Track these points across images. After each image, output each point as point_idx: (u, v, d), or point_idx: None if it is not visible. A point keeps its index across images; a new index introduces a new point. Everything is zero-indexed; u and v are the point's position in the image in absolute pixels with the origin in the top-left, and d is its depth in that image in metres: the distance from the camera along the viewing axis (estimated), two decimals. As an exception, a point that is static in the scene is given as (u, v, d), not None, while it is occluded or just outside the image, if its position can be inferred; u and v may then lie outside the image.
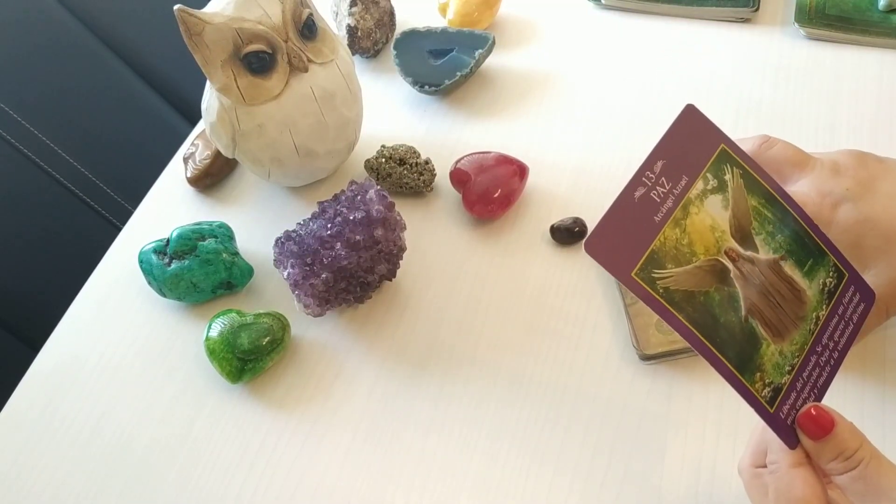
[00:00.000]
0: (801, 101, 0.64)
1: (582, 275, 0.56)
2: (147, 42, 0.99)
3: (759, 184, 0.37)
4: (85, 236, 0.89)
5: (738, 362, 0.34)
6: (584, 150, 0.64)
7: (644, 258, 0.33)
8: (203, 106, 0.59)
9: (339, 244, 0.51)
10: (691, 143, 0.36)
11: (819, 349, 0.37)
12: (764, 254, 0.36)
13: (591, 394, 0.50)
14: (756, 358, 0.35)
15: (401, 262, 0.55)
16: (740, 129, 0.63)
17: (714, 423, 0.47)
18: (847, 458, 0.32)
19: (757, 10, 0.71)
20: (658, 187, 0.34)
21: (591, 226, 0.57)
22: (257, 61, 0.53)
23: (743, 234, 0.36)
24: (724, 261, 0.35)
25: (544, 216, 0.59)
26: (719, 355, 0.34)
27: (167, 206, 0.67)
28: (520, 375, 0.51)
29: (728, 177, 0.36)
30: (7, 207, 0.84)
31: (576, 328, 0.53)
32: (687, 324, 0.34)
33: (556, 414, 0.49)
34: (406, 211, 0.59)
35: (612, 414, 0.49)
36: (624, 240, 0.33)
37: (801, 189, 0.44)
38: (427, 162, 0.62)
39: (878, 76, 0.65)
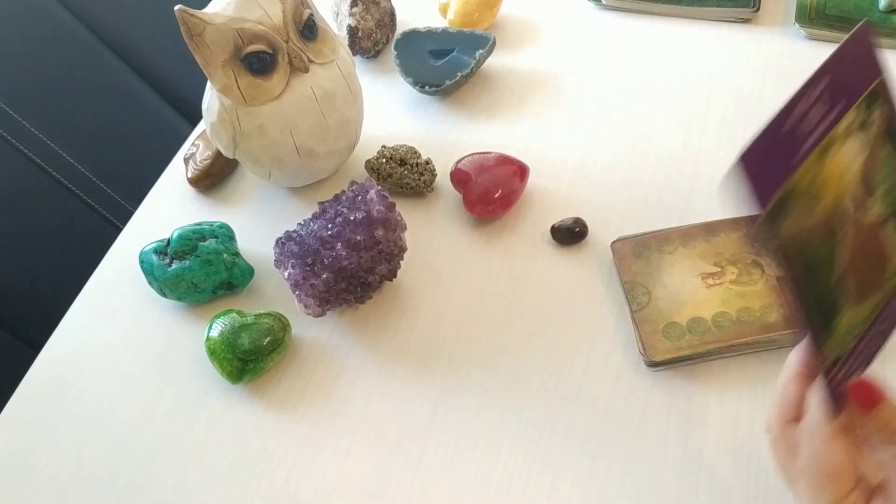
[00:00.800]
0: (802, 101, 0.64)
1: (582, 275, 0.56)
2: (148, 42, 0.99)
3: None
4: (85, 236, 0.89)
5: (817, 334, 0.33)
6: (584, 150, 0.64)
7: (776, 199, 0.30)
8: (204, 106, 0.59)
9: (339, 244, 0.51)
10: (857, 66, 0.33)
11: (880, 321, 0.35)
12: (877, 210, 0.34)
13: (591, 394, 0.50)
14: (831, 326, 0.33)
15: (401, 262, 0.55)
16: (740, 129, 0.63)
17: (714, 425, 0.47)
18: (893, 433, 0.33)
19: (757, 10, 0.71)
20: (812, 110, 0.31)
21: (591, 226, 0.57)
22: (258, 62, 0.53)
23: (867, 185, 0.33)
24: (842, 212, 0.33)
25: (545, 216, 0.59)
26: (817, 316, 0.32)
27: (168, 207, 0.67)
28: (520, 376, 0.51)
29: (875, 117, 0.33)
30: (7, 207, 0.84)
31: (576, 328, 0.53)
32: (796, 278, 0.31)
33: (556, 414, 0.49)
34: (406, 211, 0.59)
35: (612, 415, 0.49)
36: (774, 161, 0.30)
37: None
38: (427, 162, 0.62)
39: (879, 76, 0.65)
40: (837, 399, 0.34)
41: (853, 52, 0.32)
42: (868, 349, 0.36)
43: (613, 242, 0.55)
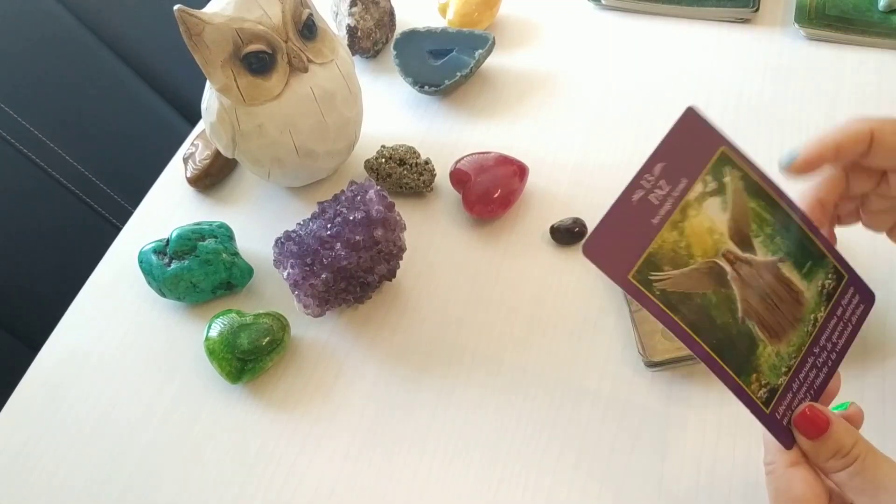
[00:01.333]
0: (801, 101, 0.64)
1: (582, 275, 0.56)
2: (147, 42, 0.99)
3: (759, 187, 0.37)
4: (85, 236, 0.89)
5: (734, 364, 0.34)
6: (584, 150, 0.64)
7: (641, 261, 0.34)
8: (203, 106, 0.58)
9: (338, 244, 0.51)
10: (691, 146, 0.36)
11: (816, 350, 0.37)
12: (762, 256, 0.36)
13: (590, 394, 0.50)
14: (753, 359, 0.35)
15: (401, 262, 0.55)
16: (740, 129, 0.63)
17: (713, 425, 0.47)
18: (844, 456, 0.33)
19: (757, 10, 0.71)
20: (657, 189, 0.34)
21: (591, 226, 0.57)
22: (257, 61, 0.53)
23: (741, 237, 0.36)
24: (721, 263, 0.35)
25: (544, 216, 0.59)
26: (715, 357, 0.34)
27: (167, 207, 0.67)
28: (519, 376, 0.51)
29: (728, 179, 0.36)
30: (7, 207, 0.84)
31: (576, 329, 0.53)
32: (683, 326, 0.34)
33: (556, 414, 0.49)
34: (406, 211, 0.59)
35: (611, 415, 0.49)
36: (621, 243, 0.33)
37: None
38: (427, 162, 0.62)
39: (878, 77, 0.65)
40: (786, 431, 0.35)
41: (683, 134, 0.35)
42: (811, 380, 0.36)
43: None
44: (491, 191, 0.58)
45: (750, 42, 0.70)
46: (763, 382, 0.35)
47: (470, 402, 0.51)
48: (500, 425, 0.49)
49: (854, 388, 0.47)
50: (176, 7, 0.51)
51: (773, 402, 0.35)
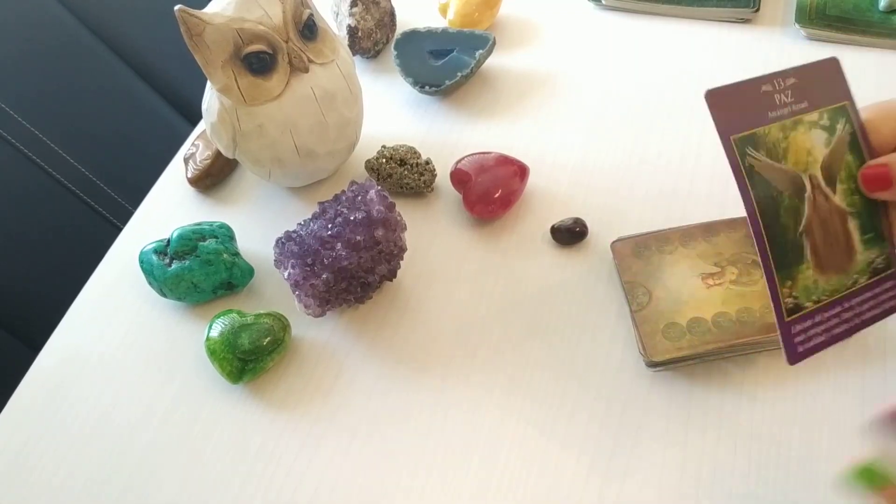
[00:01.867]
0: (802, 101, 0.64)
1: (583, 275, 0.56)
2: (148, 42, 0.99)
3: (860, 148, 0.39)
4: (85, 236, 0.89)
5: (778, 261, 0.37)
6: (584, 150, 0.64)
7: (746, 133, 0.36)
8: (203, 106, 0.59)
9: (339, 244, 0.51)
10: (823, 84, 0.38)
11: (847, 306, 0.39)
12: (839, 201, 0.38)
13: (591, 394, 0.50)
14: (794, 270, 0.37)
15: (401, 262, 0.55)
16: (741, 129, 0.63)
17: (714, 425, 0.47)
18: None
19: (757, 10, 0.71)
20: (782, 95, 0.37)
21: (591, 226, 0.58)
22: (258, 62, 0.53)
23: (830, 175, 0.38)
24: (805, 180, 0.37)
25: (545, 216, 0.59)
26: (766, 243, 0.36)
27: (168, 207, 0.67)
28: (520, 376, 0.51)
29: (839, 126, 0.38)
30: (8, 207, 0.84)
31: (576, 328, 0.53)
32: (754, 201, 0.36)
33: (556, 414, 0.49)
34: (406, 211, 0.59)
35: (612, 414, 0.49)
36: (739, 109, 0.36)
37: None
38: (427, 162, 0.62)
39: (879, 77, 0.65)
40: (793, 346, 0.37)
41: (818, 73, 0.38)
42: (832, 326, 0.38)
43: (613, 242, 0.55)
44: (491, 191, 0.58)
45: (750, 42, 0.70)
46: (793, 294, 0.37)
47: (470, 401, 0.51)
48: (501, 425, 0.49)
49: (856, 387, 0.47)
50: (176, 7, 0.51)
51: (795, 317, 0.37)
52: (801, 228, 0.37)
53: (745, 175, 0.36)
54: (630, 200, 0.59)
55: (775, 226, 0.37)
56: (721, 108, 0.37)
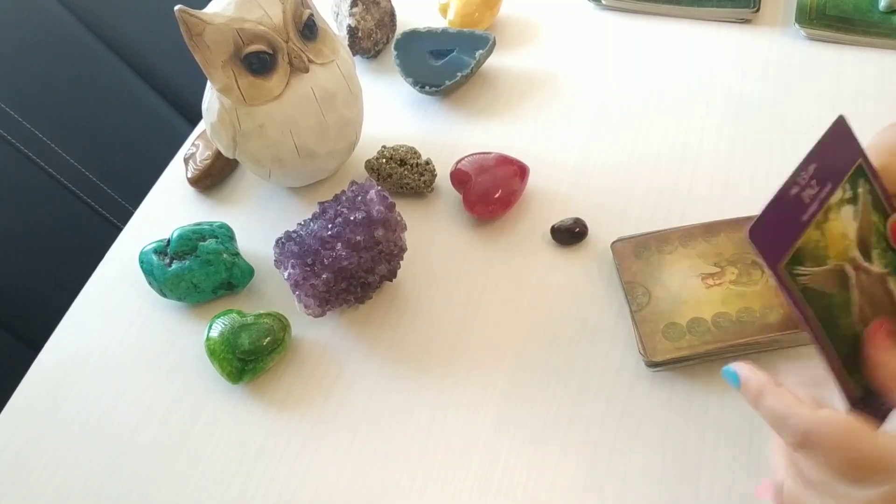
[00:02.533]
0: (802, 101, 0.64)
1: (582, 275, 0.56)
2: (148, 42, 0.99)
3: (881, 202, 0.39)
4: (85, 236, 0.89)
5: (845, 360, 0.36)
6: (584, 150, 0.64)
7: (791, 254, 0.36)
8: (204, 106, 0.59)
9: (339, 244, 0.51)
10: (838, 153, 0.38)
11: None
12: (877, 267, 0.38)
13: (591, 394, 0.50)
14: (858, 358, 0.37)
15: (401, 262, 0.55)
16: (740, 129, 0.63)
17: (714, 425, 0.47)
18: None
19: (757, 10, 0.71)
20: (808, 188, 0.36)
21: (591, 226, 0.57)
22: (258, 62, 0.53)
23: (864, 246, 0.38)
24: (847, 268, 0.37)
25: (545, 216, 0.59)
26: (834, 351, 0.36)
27: (168, 207, 0.67)
28: (520, 376, 0.51)
29: (861, 190, 0.38)
30: (8, 207, 0.84)
31: (576, 328, 0.53)
32: (814, 318, 0.36)
33: (556, 414, 0.49)
34: (407, 211, 0.59)
35: (612, 414, 0.49)
36: (778, 233, 0.36)
37: None
38: (427, 162, 0.62)
39: (879, 77, 0.65)
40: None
41: (833, 143, 0.38)
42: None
43: (613, 243, 0.55)
44: (491, 191, 0.58)
45: (750, 42, 0.70)
46: (862, 383, 0.37)
47: (470, 401, 0.51)
48: (500, 425, 0.49)
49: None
50: (177, 7, 0.51)
51: (864, 402, 0.37)
52: (854, 318, 0.37)
53: (804, 299, 0.36)
54: (630, 200, 0.59)
55: (833, 329, 0.36)
56: (764, 241, 0.35)
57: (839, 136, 0.38)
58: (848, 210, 0.38)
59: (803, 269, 0.36)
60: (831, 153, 0.37)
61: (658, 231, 0.54)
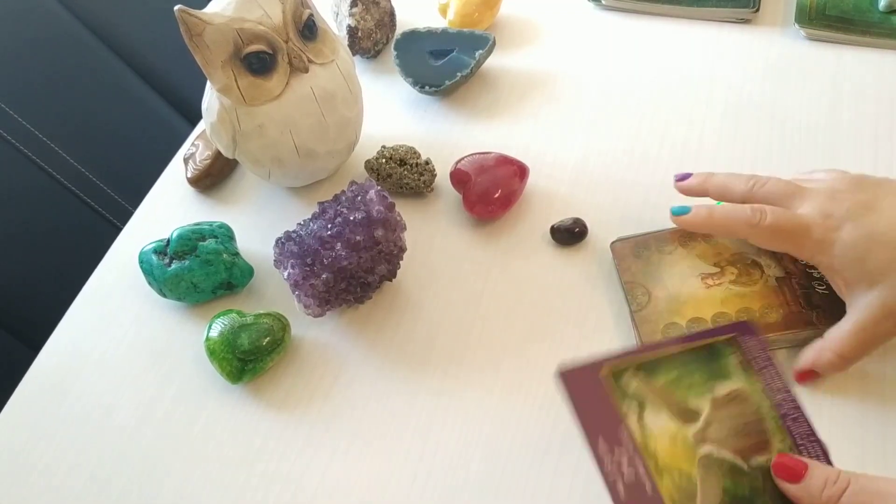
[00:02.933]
0: (802, 101, 0.64)
1: (582, 275, 0.56)
2: (147, 42, 0.99)
3: (649, 362, 0.38)
4: (85, 236, 0.89)
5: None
6: (584, 150, 0.64)
7: None
8: (203, 106, 0.59)
9: (339, 244, 0.51)
10: (593, 398, 0.37)
11: (783, 410, 0.38)
12: (704, 405, 0.38)
13: (591, 394, 0.50)
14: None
15: (401, 262, 0.55)
16: (740, 129, 0.63)
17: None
18: (835, 482, 0.34)
19: (757, 10, 0.71)
20: (621, 462, 0.35)
21: (591, 226, 0.57)
22: (258, 62, 0.53)
23: (685, 413, 0.37)
24: (702, 451, 0.36)
25: (545, 217, 0.59)
26: None
27: (167, 207, 0.67)
28: (520, 376, 0.51)
29: (633, 386, 0.37)
30: (7, 207, 0.84)
31: (576, 328, 0.53)
32: None
33: (557, 414, 0.49)
34: (406, 211, 0.59)
35: (612, 414, 0.49)
36: None
37: (804, 212, 0.45)
38: (427, 162, 0.62)
39: (879, 77, 0.65)
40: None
41: (580, 400, 0.36)
42: (802, 432, 0.38)
43: (613, 243, 0.55)
44: (491, 191, 0.58)
45: (750, 42, 0.70)
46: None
47: (470, 401, 0.51)
48: (501, 425, 0.49)
49: (857, 389, 0.47)
50: (176, 7, 0.51)
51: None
52: (747, 468, 0.36)
53: None
54: (630, 200, 0.59)
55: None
56: None
57: (577, 387, 0.37)
58: (650, 417, 0.36)
59: None
60: (590, 409, 0.36)
61: (658, 231, 0.54)
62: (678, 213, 0.49)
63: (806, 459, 0.36)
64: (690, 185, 0.51)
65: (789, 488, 0.35)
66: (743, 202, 0.48)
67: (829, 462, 0.37)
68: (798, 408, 0.38)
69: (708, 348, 0.40)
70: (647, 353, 0.39)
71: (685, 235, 0.54)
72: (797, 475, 0.35)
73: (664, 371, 0.38)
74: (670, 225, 0.55)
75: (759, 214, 0.46)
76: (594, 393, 0.36)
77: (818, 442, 0.37)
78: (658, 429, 0.36)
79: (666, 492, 0.34)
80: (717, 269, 0.51)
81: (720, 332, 0.40)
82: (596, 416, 0.36)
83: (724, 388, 0.38)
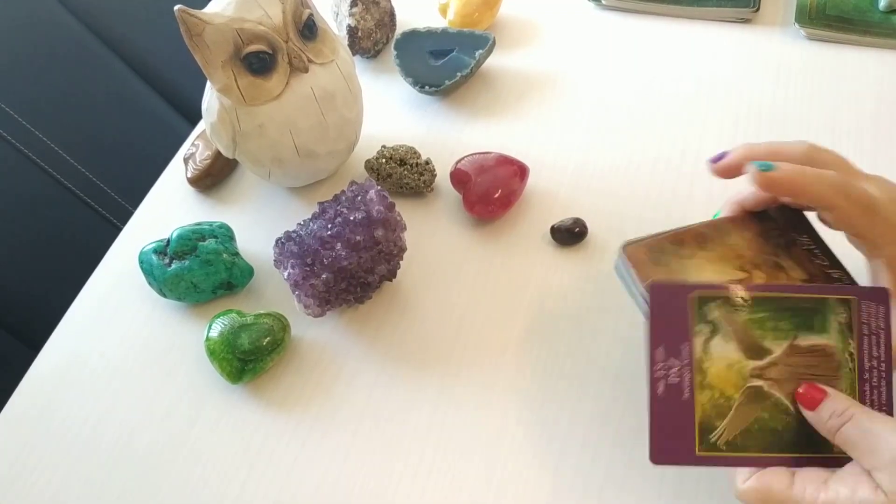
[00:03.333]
0: (802, 101, 0.64)
1: (582, 275, 0.56)
2: (148, 42, 0.99)
3: (738, 298, 0.39)
4: (85, 236, 0.89)
5: (813, 447, 0.37)
6: (584, 150, 0.64)
7: (697, 435, 0.36)
8: (203, 106, 0.59)
9: (339, 244, 0.51)
10: (671, 313, 0.38)
11: (866, 376, 0.39)
12: (779, 348, 0.38)
13: (591, 394, 0.50)
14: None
15: (401, 262, 0.55)
16: (740, 130, 0.63)
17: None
18: (840, 415, 0.36)
19: (757, 10, 0.71)
20: (671, 369, 0.37)
21: (591, 226, 0.57)
22: (258, 62, 0.53)
23: (755, 349, 0.38)
24: (753, 383, 0.38)
25: (545, 216, 0.59)
26: (800, 456, 0.37)
27: (167, 207, 0.67)
28: (520, 376, 0.51)
29: (715, 315, 0.38)
30: (8, 208, 0.84)
31: (576, 329, 0.53)
32: (762, 455, 0.36)
33: (557, 414, 0.49)
34: (406, 211, 0.59)
35: (613, 415, 0.49)
36: (674, 433, 0.36)
37: (872, 191, 0.42)
38: (427, 162, 0.62)
39: (879, 77, 0.65)
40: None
41: (660, 310, 0.38)
42: (877, 400, 0.39)
43: (625, 246, 0.49)
44: (491, 191, 0.58)
45: (750, 42, 0.70)
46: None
47: (470, 401, 0.51)
48: (501, 425, 0.49)
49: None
50: (176, 7, 0.51)
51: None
52: (792, 410, 0.38)
53: (735, 454, 0.37)
54: (630, 201, 0.59)
55: (785, 440, 0.37)
56: (672, 454, 0.37)
57: (662, 299, 0.38)
58: (716, 343, 0.37)
59: (716, 432, 0.36)
60: (666, 320, 0.37)
61: (666, 232, 0.49)
62: (764, 168, 0.41)
63: (829, 389, 0.37)
64: (731, 161, 0.44)
65: (807, 414, 0.37)
66: None
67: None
68: (885, 380, 0.39)
69: (816, 301, 0.40)
70: (731, 289, 0.39)
71: (698, 236, 0.49)
72: (814, 403, 0.37)
73: (753, 310, 0.39)
74: (671, 224, 0.54)
75: (848, 185, 0.40)
76: (675, 309, 0.38)
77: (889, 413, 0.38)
78: (719, 354, 0.37)
79: (699, 403, 0.36)
80: (746, 274, 0.48)
81: (849, 292, 0.40)
82: (667, 328, 0.37)
83: (809, 340, 0.39)
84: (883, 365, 0.39)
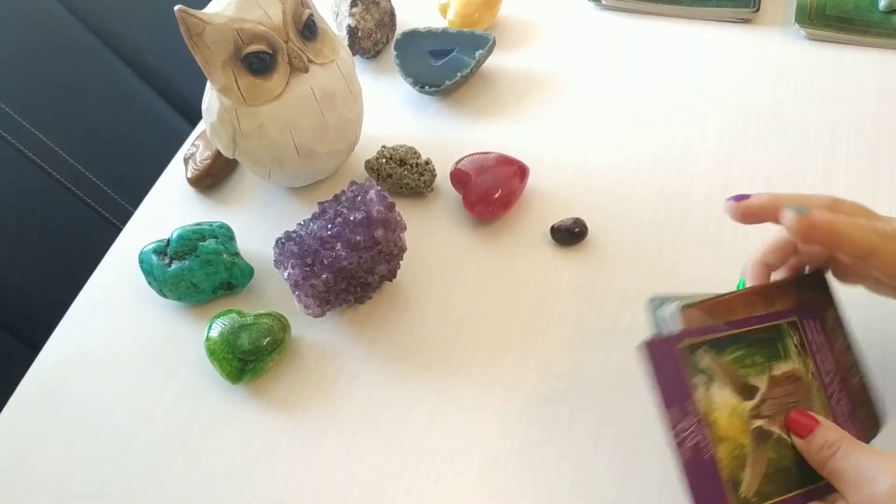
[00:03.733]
0: (802, 101, 0.64)
1: (582, 275, 0.56)
2: (148, 42, 0.99)
3: (719, 339, 0.39)
4: (85, 237, 0.89)
5: (818, 476, 0.37)
6: (584, 150, 0.64)
7: (729, 493, 0.36)
8: (203, 106, 0.59)
9: (339, 245, 0.51)
10: (669, 370, 0.38)
11: (829, 392, 0.40)
12: (762, 383, 0.39)
13: (591, 394, 0.50)
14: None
15: (401, 262, 0.55)
16: (740, 129, 0.63)
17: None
18: (831, 446, 0.37)
19: (757, 10, 0.71)
20: (689, 429, 0.37)
21: (591, 226, 0.57)
22: (258, 62, 0.53)
23: (745, 389, 0.38)
24: (755, 424, 0.38)
25: (545, 217, 0.59)
26: (813, 487, 0.38)
27: (167, 207, 0.67)
28: (520, 376, 0.51)
29: (704, 362, 0.38)
30: (8, 207, 0.84)
31: (576, 329, 0.53)
32: (787, 497, 0.37)
33: (557, 415, 0.49)
34: (406, 211, 0.59)
35: (612, 414, 0.49)
36: (709, 498, 0.36)
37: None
38: (427, 162, 0.62)
39: (879, 77, 0.65)
40: None
41: (660, 370, 0.37)
42: (843, 411, 0.40)
43: (684, 308, 0.40)
44: (491, 191, 0.58)
45: (750, 42, 0.70)
46: None
47: (470, 401, 0.51)
48: (501, 425, 0.49)
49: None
50: (177, 7, 0.51)
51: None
52: (790, 441, 0.38)
53: (773, 490, 0.37)
54: (630, 200, 0.59)
55: (796, 474, 0.38)
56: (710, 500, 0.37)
57: (657, 357, 0.38)
58: (714, 391, 0.38)
59: (744, 486, 0.36)
60: (668, 379, 0.37)
61: (725, 295, 0.41)
62: (802, 212, 0.38)
63: (821, 419, 0.38)
64: (757, 204, 0.40)
65: (798, 443, 0.38)
66: None
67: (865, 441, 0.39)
68: (842, 390, 0.40)
69: (775, 329, 0.40)
70: (711, 331, 0.39)
71: (748, 303, 0.41)
72: (807, 430, 0.38)
73: (732, 349, 0.39)
74: (671, 224, 0.55)
75: (881, 228, 0.39)
76: (671, 364, 0.38)
77: (857, 422, 0.39)
78: (720, 402, 0.38)
79: (720, 460, 0.37)
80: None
81: (784, 316, 0.41)
82: (671, 385, 0.37)
83: (781, 368, 0.39)
84: (838, 377, 0.40)
